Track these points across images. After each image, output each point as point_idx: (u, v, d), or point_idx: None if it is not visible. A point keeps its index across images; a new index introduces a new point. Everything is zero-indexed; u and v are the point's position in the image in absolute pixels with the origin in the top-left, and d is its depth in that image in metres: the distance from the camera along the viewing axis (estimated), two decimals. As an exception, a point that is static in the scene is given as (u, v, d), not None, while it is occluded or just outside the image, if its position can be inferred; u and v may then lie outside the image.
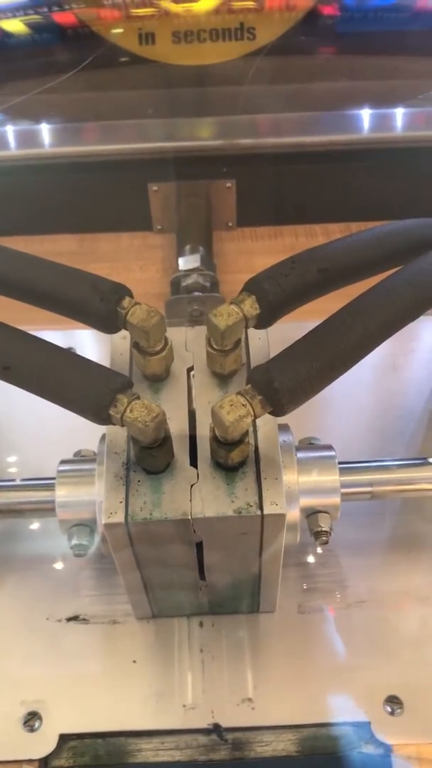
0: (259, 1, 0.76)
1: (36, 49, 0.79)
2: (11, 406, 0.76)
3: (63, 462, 0.56)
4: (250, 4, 0.73)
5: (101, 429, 0.49)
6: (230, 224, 0.96)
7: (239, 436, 0.44)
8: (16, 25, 0.76)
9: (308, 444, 0.60)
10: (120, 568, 0.51)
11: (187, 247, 0.88)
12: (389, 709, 0.56)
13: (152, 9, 0.74)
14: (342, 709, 0.56)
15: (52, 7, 0.75)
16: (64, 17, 0.77)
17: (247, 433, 0.45)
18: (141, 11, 0.73)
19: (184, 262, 0.85)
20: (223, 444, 0.44)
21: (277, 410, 0.43)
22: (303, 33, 0.81)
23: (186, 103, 0.90)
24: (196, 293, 0.82)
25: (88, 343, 0.78)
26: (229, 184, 0.92)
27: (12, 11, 0.74)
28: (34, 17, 0.76)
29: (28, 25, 0.76)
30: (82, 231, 0.95)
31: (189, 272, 0.84)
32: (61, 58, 0.80)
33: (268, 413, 0.43)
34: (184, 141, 0.88)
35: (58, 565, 0.64)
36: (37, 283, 0.47)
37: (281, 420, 0.48)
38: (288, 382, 0.42)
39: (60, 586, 0.63)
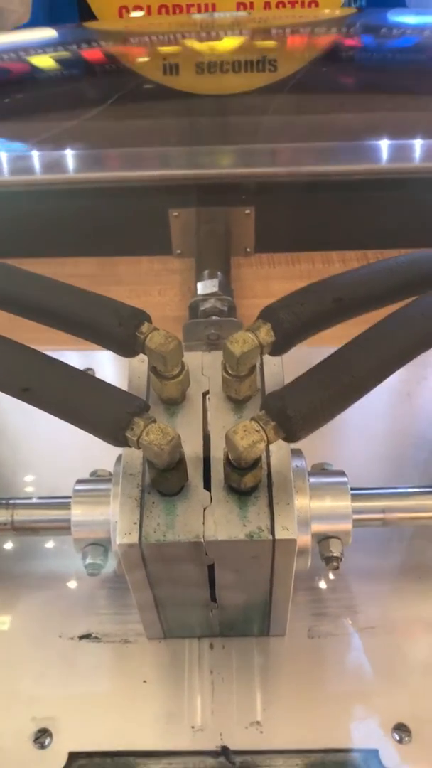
0: (281, 38, 0.78)
1: (64, 83, 0.81)
2: (29, 425, 0.77)
3: (79, 482, 0.57)
4: (272, 44, 0.75)
5: (117, 450, 0.50)
6: (248, 250, 0.97)
7: (252, 461, 0.44)
8: (45, 61, 0.78)
9: (321, 469, 0.60)
10: (132, 587, 0.52)
11: (206, 272, 0.89)
12: (398, 737, 0.56)
13: (177, 47, 0.76)
14: (350, 735, 0.56)
15: (81, 44, 0.78)
16: (92, 54, 0.79)
17: (260, 458, 0.45)
18: (166, 49, 0.76)
19: (203, 287, 0.87)
20: (236, 468, 0.45)
21: (291, 437, 0.43)
22: (323, 67, 0.83)
23: (207, 132, 0.92)
24: (214, 317, 0.84)
25: (106, 364, 0.80)
26: (248, 211, 0.93)
27: (42, 47, 0.76)
28: (63, 53, 0.78)
29: (57, 60, 0.79)
30: (103, 254, 0.97)
31: (207, 297, 0.85)
32: (89, 92, 0.83)
33: (281, 439, 0.44)
34: (204, 169, 0.90)
35: (72, 584, 0.65)
36: (58, 307, 0.49)
37: (294, 445, 0.49)
38: (302, 410, 0.42)
39: (73, 605, 0.63)
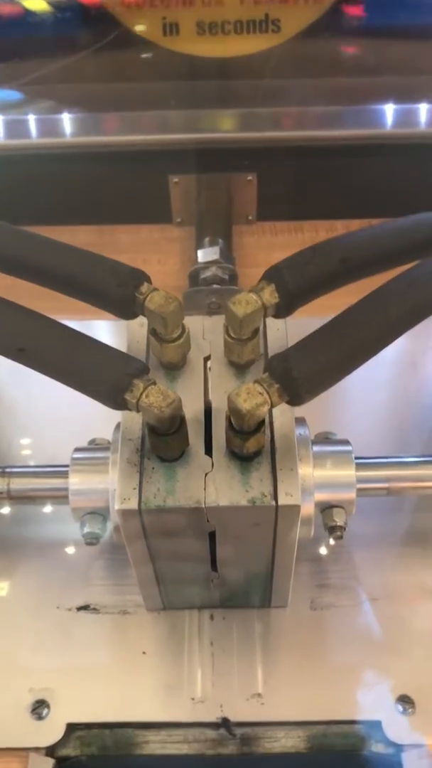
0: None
1: (57, 28, 0.79)
2: (27, 393, 0.76)
3: (77, 450, 0.55)
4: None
5: (115, 418, 0.49)
6: (250, 218, 0.95)
7: (255, 425, 0.43)
8: (37, 4, 0.76)
9: (324, 438, 0.59)
10: (132, 557, 0.51)
11: (207, 240, 0.87)
12: (401, 709, 0.55)
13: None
14: (353, 707, 0.56)
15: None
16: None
17: (263, 422, 0.44)
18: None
19: (203, 255, 0.85)
20: (238, 433, 0.44)
21: (295, 399, 0.42)
22: (329, 25, 0.80)
23: (209, 95, 0.90)
24: (215, 286, 0.82)
25: (105, 334, 0.78)
26: (250, 178, 0.91)
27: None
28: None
29: (50, 3, 0.76)
30: (102, 222, 0.95)
31: (208, 265, 0.84)
32: (82, 39, 0.80)
33: (285, 403, 0.42)
34: (205, 133, 0.88)
35: (70, 554, 0.64)
36: (54, 267, 0.47)
37: (298, 413, 0.48)
38: (307, 371, 0.41)
39: (71, 575, 0.63)
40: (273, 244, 0.94)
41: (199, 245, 0.88)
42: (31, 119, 0.88)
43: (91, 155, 0.88)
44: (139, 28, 0.82)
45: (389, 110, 0.89)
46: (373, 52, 0.85)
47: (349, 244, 0.47)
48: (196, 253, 0.87)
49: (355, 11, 0.81)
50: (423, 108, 0.90)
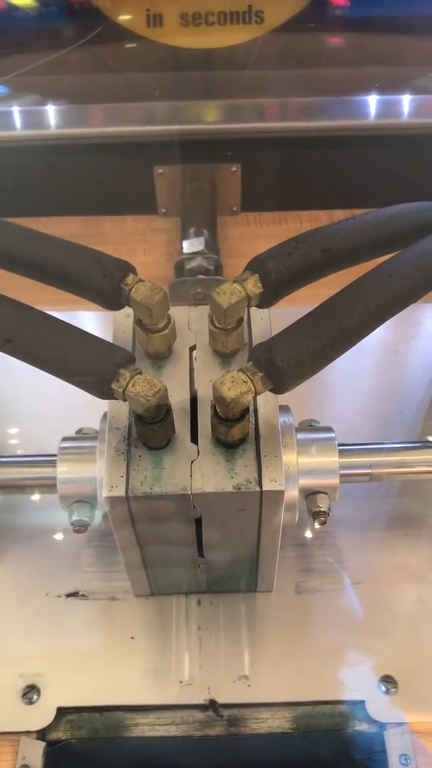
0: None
1: (42, 23, 0.79)
2: (14, 383, 0.76)
3: (65, 439, 0.56)
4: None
5: (102, 408, 0.50)
6: (235, 209, 0.96)
7: (240, 412, 0.44)
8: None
9: (308, 426, 0.60)
10: (120, 543, 0.52)
11: (192, 231, 0.88)
12: (384, 689, 0.56)
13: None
14: (337, 688, 0.57)
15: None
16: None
17: (247, 410, 0.45)
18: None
19: (189, 245, 0.85)
20: (223, 420, 0.45)
21: (278, 387, 0.43)
22: (312, 16, 0.81)
23: (193, 86, 0.90)
24: (200, 276, 0.83)
25: (91, 325, 0.78)
26: (234, 168, 0.91)
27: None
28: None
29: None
30: (87, 213, 0.95)
31: (193, 255, 0.84)
32: (67, 33, 0.80)
33: (269, 390, 0.43)
34: (190, 124, 0.88)
35: (58, 541, 0.65)
36: (41, 258, 0.48)
37: (282, 401, 0.49)
38: (289, 360, 0.42)
39: (60, 563, 0.64)
40: (257, 234, 0.95)
41: (185, 236, 0.88)
42: (16, 111, 0.88)
43: (77, 147, 0.88)
44: (123, 19, 0.82)
45: (372, 101, 0.90)
46: (357, 42, 0.85)
47: (330, 236, 0.48)
48: (181, 244, 0.87)
49: (338, 2, 0.81)
50: (405, 99, 0.90)
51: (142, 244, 0.94)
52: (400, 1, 0.81)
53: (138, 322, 0.49)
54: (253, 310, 0.51)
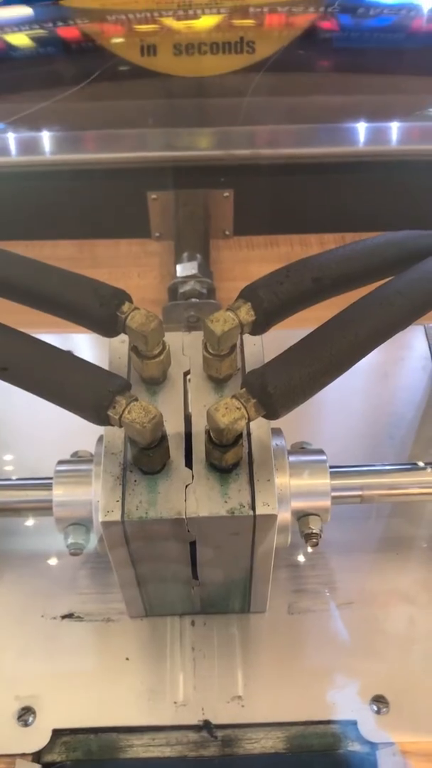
0: (259, 18, 0.78)
1: (40, 61, 0.81)
2: (9, 406, 0.77)
3: (61, 462, 0.57)
4: (250, 23, 0.75)
5: (98, 431, 0.51)
6: (227, 233, 0.97)
7: (233, 438, 0.45)
8: (20, 39, 0.77)
9: (300, 448, 0.61)
10: (115, 566, 0.52)
11: (185, 255, 0.89)
12: (375, 708, 0.57)
13: (155, 25, 0.76)
14: (330, 708, 0.58)
15: (57, 22, 0.77)
16: (68, 32, 0.78)
17: (241, 435, 0.46)
18: (143, 27, 0.75)
19: (182, 269, 0.87)
20: (217, 446, 0.46)
21: (271, 413, 0.44)
22: (301, 48, 0.83)
23: (186, 114, 0.92)
24: (193, 300, 0.84)
25: (86, 347, 0.80)
26: (226, 194, 0.93)
27: (17, 25, 0.76)
28: (39, 31, 0.77)
29: (33, 38, 0.78)
30: (82, 237, 0.97)
31: (186, 279, 0.85)
32: (64, 71, 0.82)
33: (262, 416, 0.44)
34: (183, 151, 0.90)
35: (54, 564, 0.65)
36: (38, 287, 0.48)
37: (274, 424, 0.50)
38: (281, 387, 0.43)
39: (55, 584, 0.64)
40: (249, 257, 0.96)
41: (178, 260, 0.89)
42: (11, 137, 0.90)
43: (72, 172, 0.89)
44: (118, 49, 0.84)
45: (361, 128, 0.92)
46: (344, 72, 0.87)
47: (321, 264, 0.49)
48: (174, 268, 0.88)
49: (326, 34, 0.83)
50: (394, 126, 0.92)
51: (136, 267, 0.95)
52: (386, 39, 0.83)
53: (133, 348, 0.49)
54: (246, 336, 0.52)
